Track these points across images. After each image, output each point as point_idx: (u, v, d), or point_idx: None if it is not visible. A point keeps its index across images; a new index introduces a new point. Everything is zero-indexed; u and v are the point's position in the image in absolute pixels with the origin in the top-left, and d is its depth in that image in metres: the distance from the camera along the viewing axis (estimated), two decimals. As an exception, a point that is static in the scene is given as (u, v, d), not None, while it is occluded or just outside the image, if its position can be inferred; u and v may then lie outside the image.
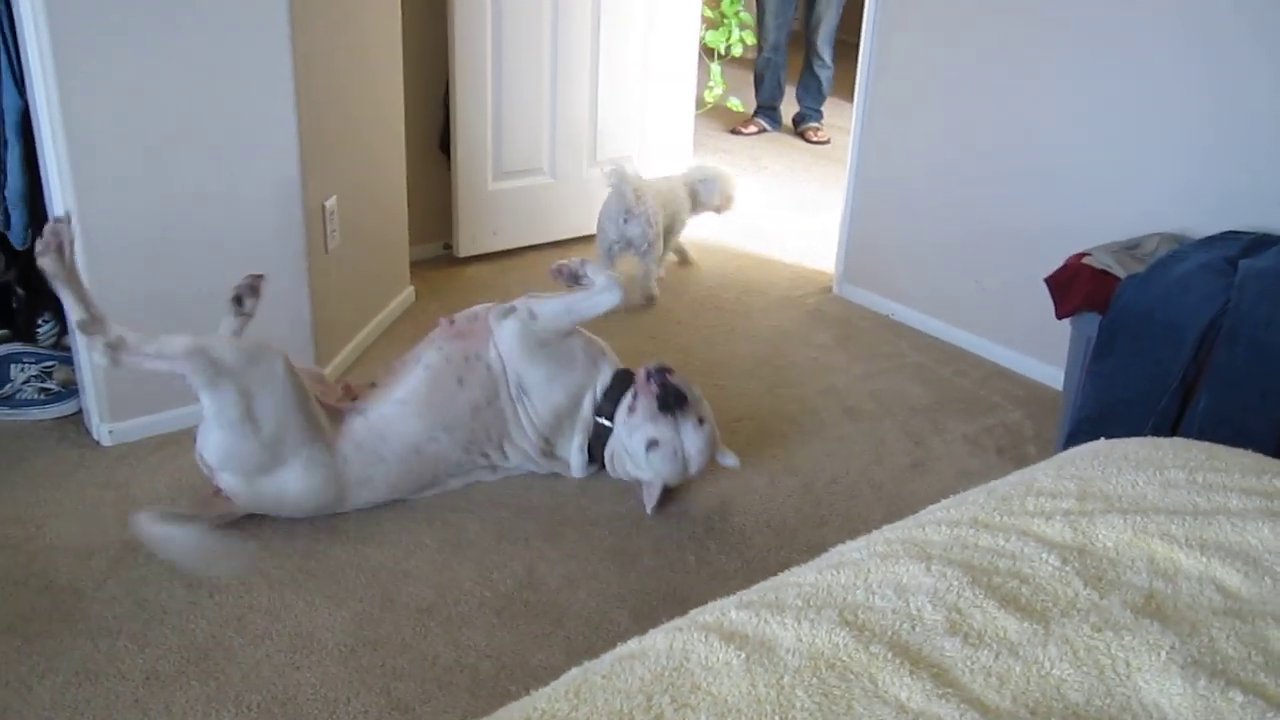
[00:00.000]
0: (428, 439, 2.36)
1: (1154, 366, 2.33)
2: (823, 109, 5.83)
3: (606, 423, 2.47)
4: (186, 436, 2.34)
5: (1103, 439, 1.69)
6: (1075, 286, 2.53)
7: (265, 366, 2.16)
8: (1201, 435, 1.96)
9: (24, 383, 2.70)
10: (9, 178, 2.46)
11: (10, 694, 1.82)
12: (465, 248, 3.86)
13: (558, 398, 2.45)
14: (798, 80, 5.80)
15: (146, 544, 2.12)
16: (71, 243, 2.02)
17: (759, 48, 5.73)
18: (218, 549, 2.16)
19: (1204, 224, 2.66)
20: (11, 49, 2.35)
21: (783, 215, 4.59)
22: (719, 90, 5.87)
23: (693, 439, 2.39)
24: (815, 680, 1.08)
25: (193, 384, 2.12)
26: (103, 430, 2.57)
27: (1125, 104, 2.83)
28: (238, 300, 2.36)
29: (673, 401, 2.37)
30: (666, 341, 3.32)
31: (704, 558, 2.29)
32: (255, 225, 2.60)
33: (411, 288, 3.53)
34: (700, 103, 5.37)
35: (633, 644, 1.18)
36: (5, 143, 2.43)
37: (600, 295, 2.42)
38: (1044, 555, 1.30)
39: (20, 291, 2.80)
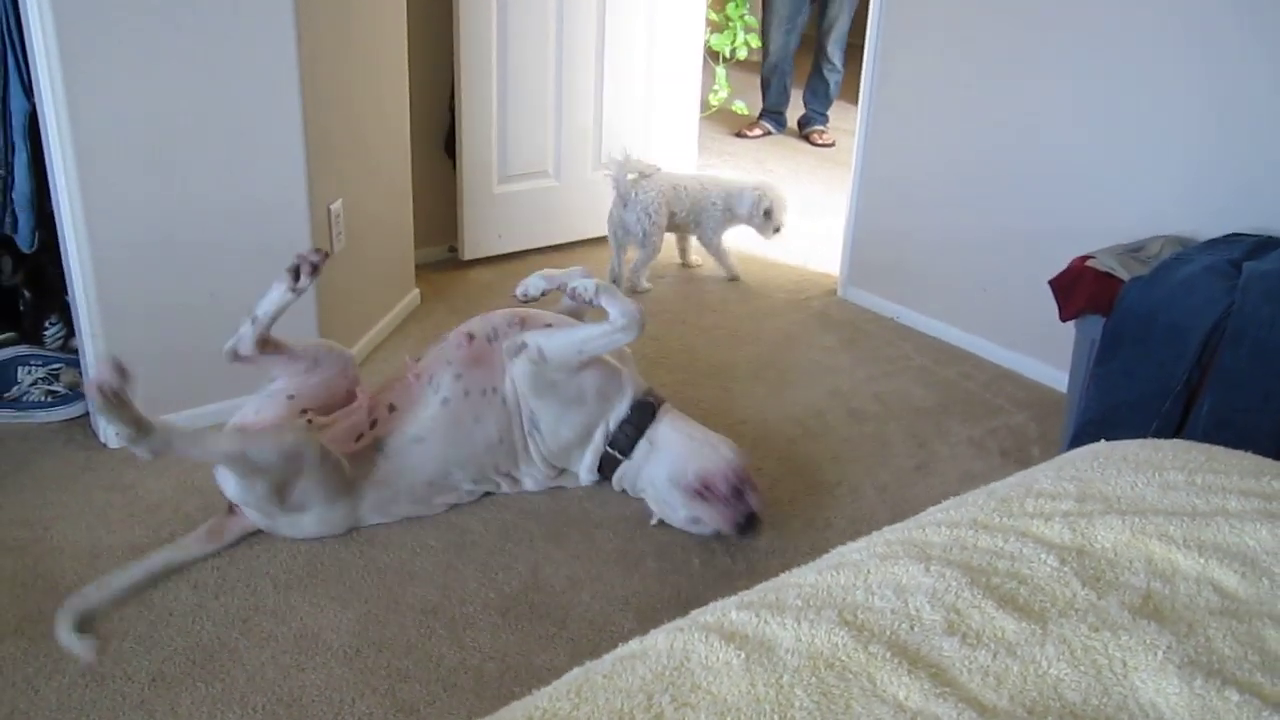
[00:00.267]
0: (442, 475, 2.36)
1: (1158, 369, 2.33)
2: (828, 112, 5.83)
3: (619, 455, 2.42)
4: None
5: (1103, 441, 1.70)
6: (1079, 289, 2.53)
7: (301, 461, 2.14)
8: (1205, 438, 1.96)
9: (31, 385, 2.72)
10: (16, 181, 2.47)
11: (17, 695, 1.83)
12: (470, 251, 3.87)
13: (566, 435, 2.41)
14: (805, 83, 5.80)
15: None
16: (125, 386, 1.91)
17: (765, 53, 5.73)
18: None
19: (1208, 226, 2.66)
20: (19, 53, 2.36)
21: (787, 218, 4.58)
22: (724, 93, 5.88)
23: (721, 520, 2.30)
24: (814, 680, 1.08)
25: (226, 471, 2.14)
26: (109, 432, 2.58)
27: (1129, 107, 2.84)
28: (295, 273, 2.22)
29: (749, 529, 2.28)
30: (670, 343, 3.33)
31: (708, 560, 2.30)
32: (261, 228, 2.61)
33: (417, 290, 3.54)
34: (705, 106, 5.38)
35: (634, 644, 1.18)
36: (12, 146, 2.44)
37: (616, 334, 2.29)
38: (1042, 556, 1.30)
39: (27, 294, 2.82)
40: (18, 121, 2.42)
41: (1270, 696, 1.06)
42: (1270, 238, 2.52)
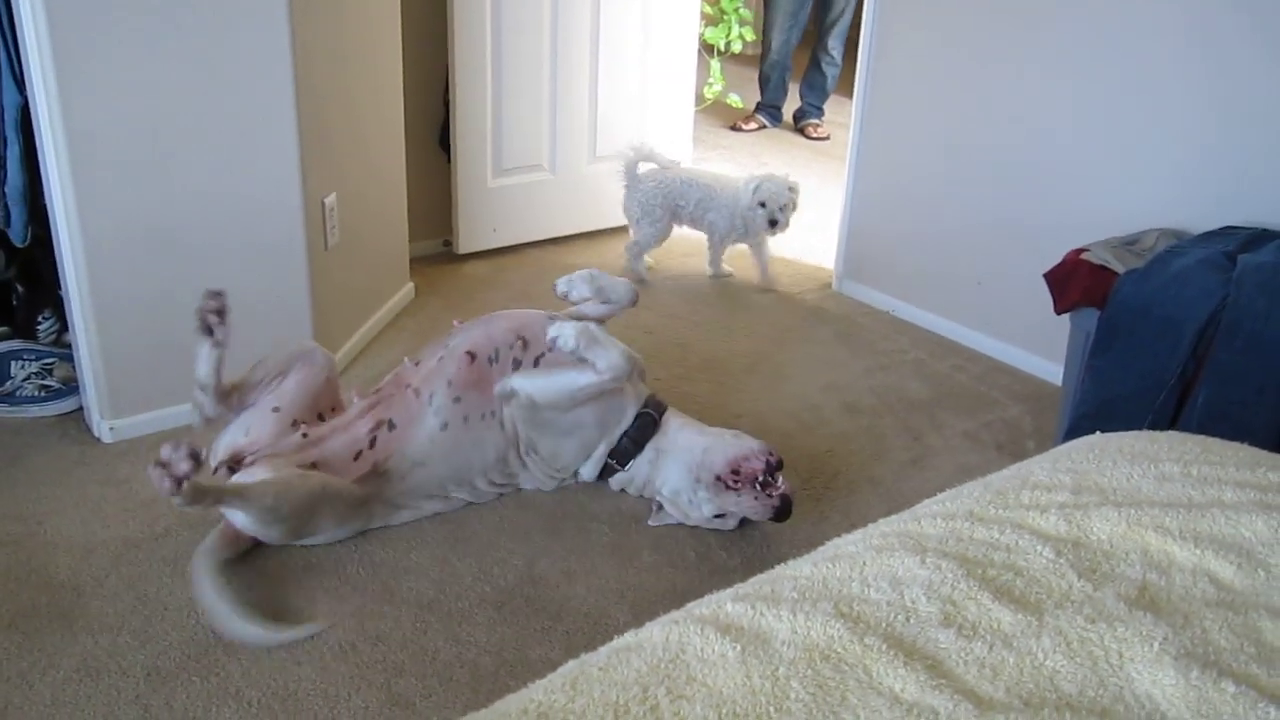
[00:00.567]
0: (440, 491, 2.36)
1: (1152, 362, 2.33)
2: (824, 106, 5.83)
3: (617, 466, 2.42)
4: (188, 433, 2.34)
5: (1099, 433, 1.70)
6: (1074, 282, 2.53)
7: (318, 511, 2.14)
8: (1200, 430, 1.96)
9: (24, 380, 2.71)
10: (9, 175, 2.46)
11: (12, 690, 1.83)
12: (465, 244, 3.86)
13: (566, 458, 2.43)
14: (802, 76, 5.80)
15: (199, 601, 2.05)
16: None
17: (766, 49, 5.72)
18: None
19: (1203, 219, 2.66)
20: (11, 46, 2.35)
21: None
22: (719, 86, 5.87)
23: (757, 508, 2.30)
24: (810, 672, 1.08)
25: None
26: (103, 427, 2.58)
27: (1124, 100, 2.84)
28: (207, 329, 2.15)
29: (785, 513, 2.30)
30: (665, 336, 3.33)
31: (704, 554, 2.30)
32: (255, 222, 2.60)
33: (411, 284, 3.53)
34: (700, 99, 5.37)
35: (629, 636, 1.18)
36: (5, 140, 2.43)
37: (607, 382, 2.28)
38: (1038, 548, 1.30)
39: (20, 289, 2.80)
40: (10, 115, 2.41)
41: (1266, 687, 1.07)
42: (1265, 230, 2.52)
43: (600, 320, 2.51)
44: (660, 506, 2.40)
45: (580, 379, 2.29)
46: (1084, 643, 1.13)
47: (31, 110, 2.34)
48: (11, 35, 2.33)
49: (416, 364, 2.40)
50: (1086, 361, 2.49)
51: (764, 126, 5.85)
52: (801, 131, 5.81)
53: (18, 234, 2.54)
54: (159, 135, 2.43)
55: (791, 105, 5.92)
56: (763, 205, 3.60)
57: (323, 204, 2.80)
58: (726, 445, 2.32)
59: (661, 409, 2.46)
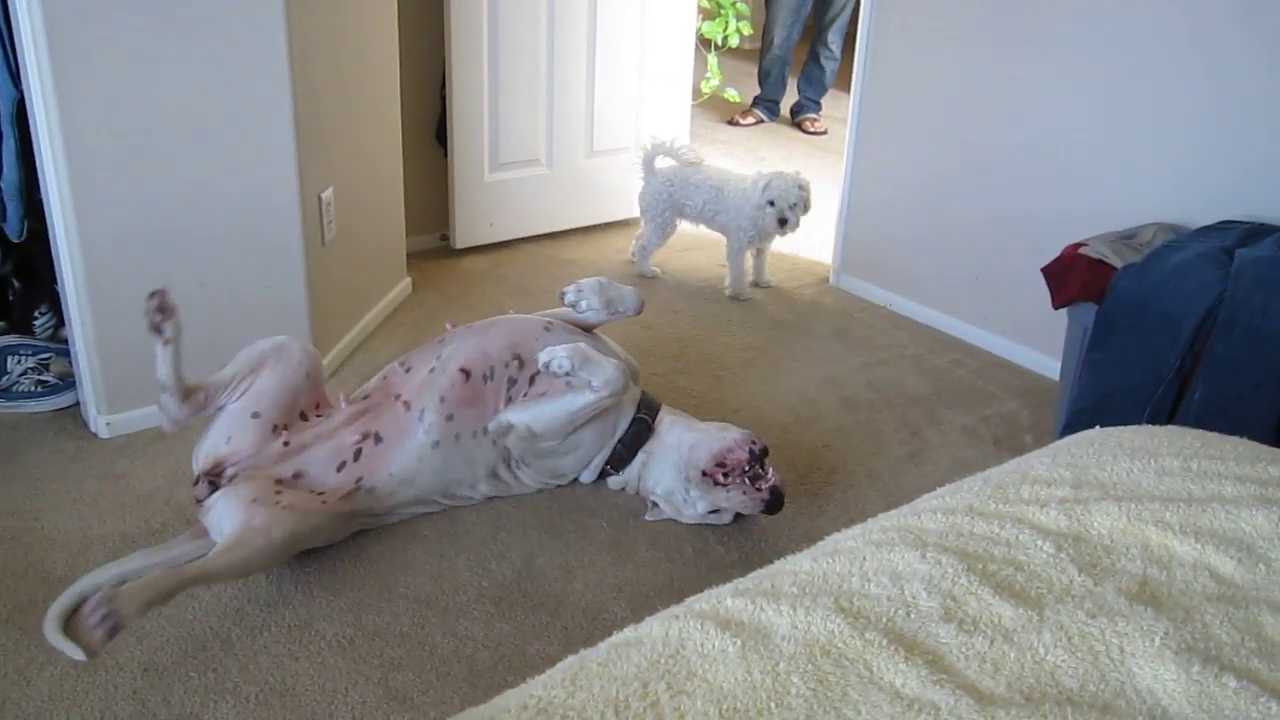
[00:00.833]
0: (430, 500, 2.34)
1: (1150, 356, 2.33)
2: (821, 100, 5.82)
3: (612, 470, 2.43)
4: (161, 436, 2.32)
5: (1098, 428, 1.70)
6: (1072, 276, 2.53)
7: (297, 548, 2.12)
8: (1198, 424, 1.95)
9: (21, 375, 2.70)
10: (5, 170, 2.46)
11: (9, 685, 1.83)
12: (462, 239, 3.86)
13: (563, 469, 2.43)
14: (800, 71, 5.79)
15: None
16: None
17: (767, 45, 5.72)
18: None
19: (1200, 214, 2.66)
20: (6, 41, 2.34)
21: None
22: (716, 81, 5.86)
23: (747, 502, 2.30)
24: (810, 667, 1.08)
25: None
26: (100, 422, 2.57)
27: (1122, 94, 2.83)
28: (155, 329, 2.08)
29: (776, 505, 2.29)
30: (663, 331, 3.32)
31: (701, 549, 2.30)
32: (251, 217, 2.59)
33: (408, 279, 3.53)
34: (697, 93, 5.36)
35: (629, 632, 1.18)
36: (0, 135, 2.42)
37: (604, 400, 2.27)
38: (1039, 542, 1.30)
39: (16, 284, 2.80)
40: (6, 109, 2.40)
41: (1267, 682, 1.06)
42: (1262, 225, 2.52)
43: (595, 326, 2.53)
44: (658, 505, 2.39)
45: (577, 400, 2.28)
46: (1085, 638, 1.13)
47: (28, 105, 2.33)
48: (7, 30, 2.32)
49: (407, 370, 2.36)
50: (1084, 356, 2.49)
51: (761, 121, 5.85)
52: (799, 126, 5.80)
53: (14, 229, 2.53)
54: (155, 130, 2.42)
55: (789, 100, 5.91)
56: (771, 204, 3.47)
57: (319, 199, 2.79)
58: (711, 439, 2.31)
59: (655, 410, 2.45)
